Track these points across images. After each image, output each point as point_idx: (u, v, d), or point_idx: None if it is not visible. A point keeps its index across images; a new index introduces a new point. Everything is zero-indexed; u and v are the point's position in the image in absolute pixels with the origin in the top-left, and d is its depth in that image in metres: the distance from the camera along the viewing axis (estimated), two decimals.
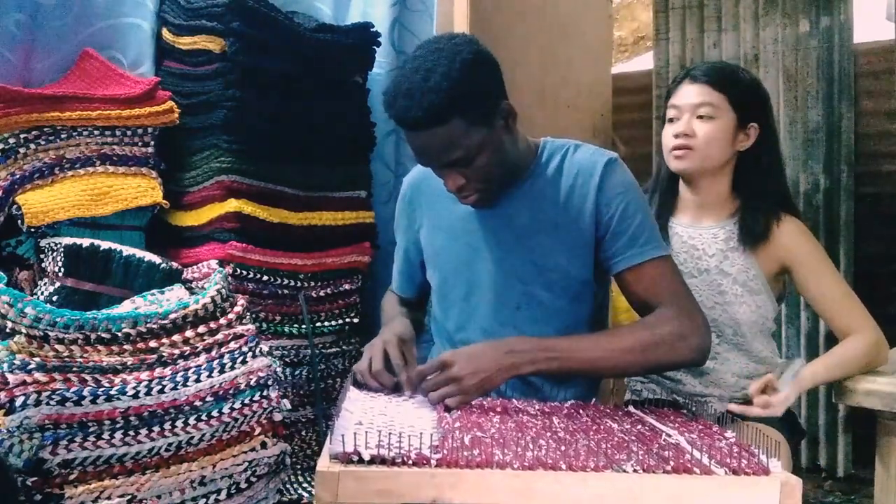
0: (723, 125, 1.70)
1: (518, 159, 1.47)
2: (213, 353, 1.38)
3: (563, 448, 1.02)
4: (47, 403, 1.17)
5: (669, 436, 1.13)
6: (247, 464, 1.38)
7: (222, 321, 1.42)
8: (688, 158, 1.71)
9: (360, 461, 0.96)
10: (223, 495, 1.35)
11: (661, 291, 1.42)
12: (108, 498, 1.21)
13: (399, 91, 1.32)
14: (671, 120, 1.75)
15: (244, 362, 1.39)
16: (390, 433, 0.99)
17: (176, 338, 1.35)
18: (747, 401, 1.59)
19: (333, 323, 1.91)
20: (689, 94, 1.72)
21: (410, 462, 0.96)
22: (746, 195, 1.75)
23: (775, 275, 1.73)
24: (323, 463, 0.96)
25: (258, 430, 1.39)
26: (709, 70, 1.76)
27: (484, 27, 2.05)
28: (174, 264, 1.63)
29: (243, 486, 1.38)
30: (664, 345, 1.36)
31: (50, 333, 1.23)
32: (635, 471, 0.97)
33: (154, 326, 1.33)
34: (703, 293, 1.72)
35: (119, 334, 1.29)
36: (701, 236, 1.76)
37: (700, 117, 1.70)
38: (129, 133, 1.74)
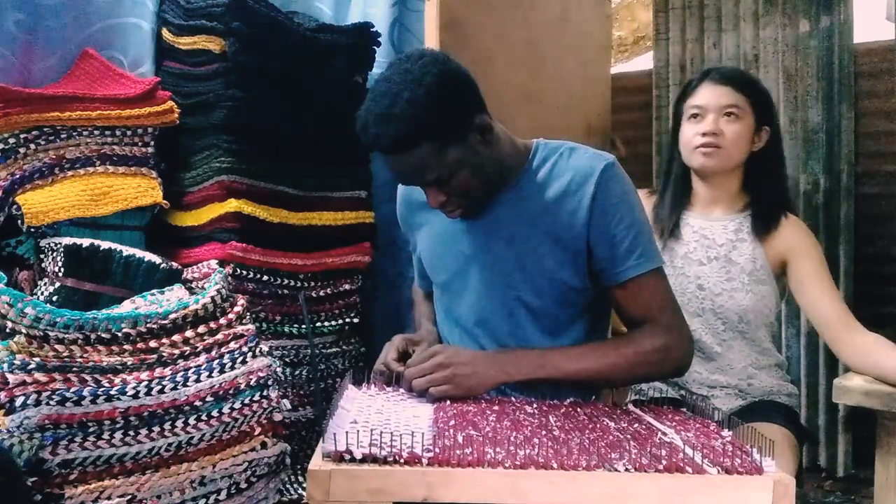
0: (746, 126, 1.79)
1: (503, 168, 1.46)
2: (213, 353, 1.38)
3: (556, 447, 1.02)
4: (47, 403, 1.17)
5: (665, 434, 1.14)
6: (247, 464, 1.38)
7: (222, 321, 1.42)
8: (715, 156, 1.79)
9: (353, 460, 0.96)
10: (223, 495, 1.35)
11: (650, 308, 1.43)
12: (108, 498, 1.21)
13: (369, 117, 1.32)
14: (693, 118, 1.81)
15: (244, 362, 1.39)
16: (382, 432, 0.99)
17: (176, 338, 1.36)
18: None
19: (333, 323, 1.92)
20: (715, 94, 1.79)
21: (402, 461, 0.96)
22: (755, 193, 1.84)
23: (778, 269, 1.80)
24: (315, 461, 0.97)
25: (258, 430, 1.39)
26: (732, 73, 1.87)
27: (455, 26, 2.02)
28: (174, 264, 1.64)
29: (243, 486, 1.38)
30: (648, 362, 1.41)
31: (50, 333, 1.23)
32: (627, 470, 0.97)
33: (154, 326, 1.34)
34: (712, 280, 1.80)
35: (119, 334, 1.30)
36: (712, 227, 1.84)
37: (727, 115, 1.78)
38: (129, 133, 1.75)
